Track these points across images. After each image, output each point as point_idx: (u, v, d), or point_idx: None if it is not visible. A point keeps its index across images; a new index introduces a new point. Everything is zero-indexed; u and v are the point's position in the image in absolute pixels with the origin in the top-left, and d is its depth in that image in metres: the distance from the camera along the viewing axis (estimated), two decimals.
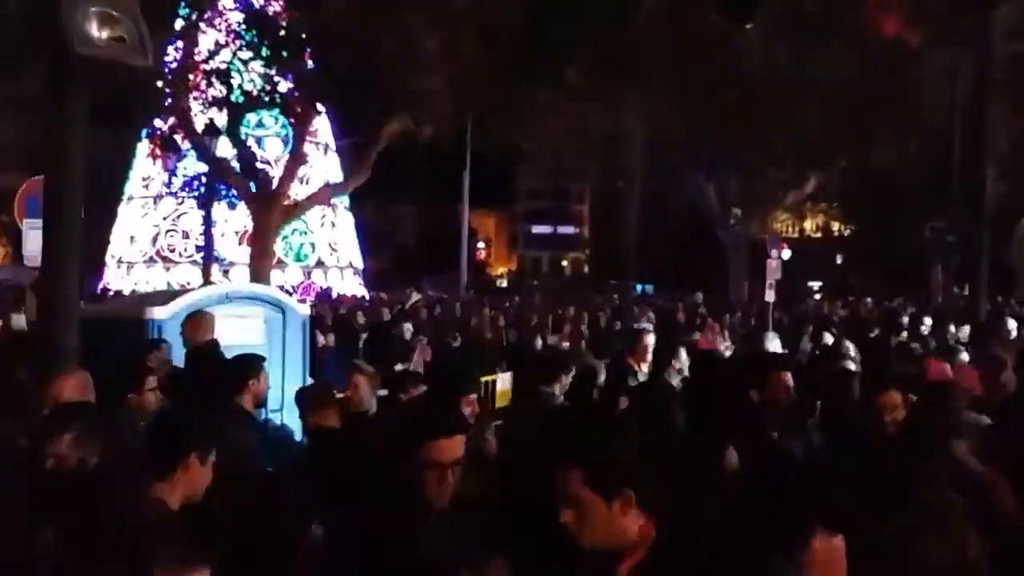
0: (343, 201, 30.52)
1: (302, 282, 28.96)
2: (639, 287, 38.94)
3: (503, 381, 10.14)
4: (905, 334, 9.82)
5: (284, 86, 16.58)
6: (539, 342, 11.42)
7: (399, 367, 9.15)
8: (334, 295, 26.31)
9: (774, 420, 3.86)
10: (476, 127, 21.34)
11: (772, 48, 21.72)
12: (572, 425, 3.49)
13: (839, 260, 46.95)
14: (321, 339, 10.78)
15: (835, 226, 46.03)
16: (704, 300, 21.02)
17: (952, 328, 10.08)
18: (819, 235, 48.35)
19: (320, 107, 17.86)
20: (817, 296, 35.32)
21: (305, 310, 8.47)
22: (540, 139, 25.35)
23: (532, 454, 3.78)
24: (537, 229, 74.94)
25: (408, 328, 11.59)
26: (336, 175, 25.50)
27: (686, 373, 6.12)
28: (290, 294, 13.98)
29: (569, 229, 74.64)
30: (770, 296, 24.40)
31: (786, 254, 30.25)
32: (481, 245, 59.61)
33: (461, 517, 2.91)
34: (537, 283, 48.47)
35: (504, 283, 55.86)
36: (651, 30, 18.57)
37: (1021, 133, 26.28)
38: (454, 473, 2.93)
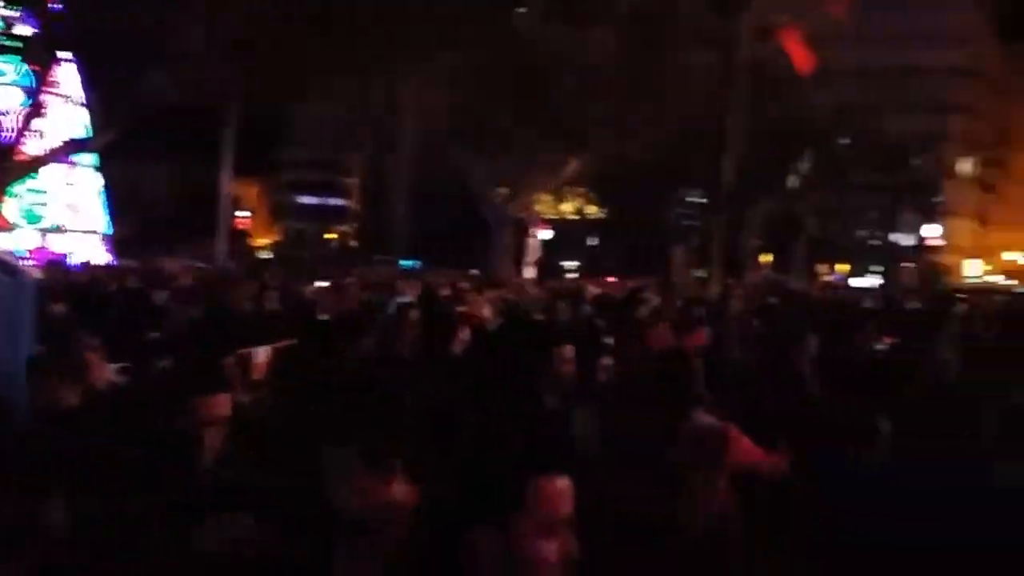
0: (89, 160, 28.18)
1: (36, 246, 26.51)
2: (407, 262, 39.09)
3: (261, 354, 9.83)
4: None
5: (25, 30, 15.01)
6: (311, 314, 11.18)
7: (152, 336, 8.66)
8: (75, 261, 24.31)
9: (556, 391, 4.01)
10: (242, 90, 20.41)
11: (541, 30, 22.45)
12: (343, 399, 3.52)
13: (594, 241, 49.65)
14: (55, 307, 9.94)
15: (591, 209, 48.49)
16: (467, 276, 21.48)
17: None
18: (576, 217, 50.73)
19: (66, 55, 16.36)
20: (574, 275, 37.20)
21: (36, 275, 7.77)
22: (310, 108, 24.72)
23: (302, 426, 3.77)
24: (304, 200, 73.00)
25: (163, 297, 10.96)
26: (81, 131, 23.46)
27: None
28: (21, 258, 12.79)
29: (337, 202, 73.32)
30: (530, 273, 25.55)
31: (547, 234, 31.74)
32: (243, 214, 57.11)
33: (224, 475, 2.87)
34: (305, 255, 47.35)
35: (268, 255, 54.07)
36: (423, 5, 18.61)
37: (758, 128, 28.78)
38: (218, 432, 2.89)
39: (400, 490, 2.40)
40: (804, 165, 37.23)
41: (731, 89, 28.43)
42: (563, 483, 2.15)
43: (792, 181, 37.26)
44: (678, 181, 33.45)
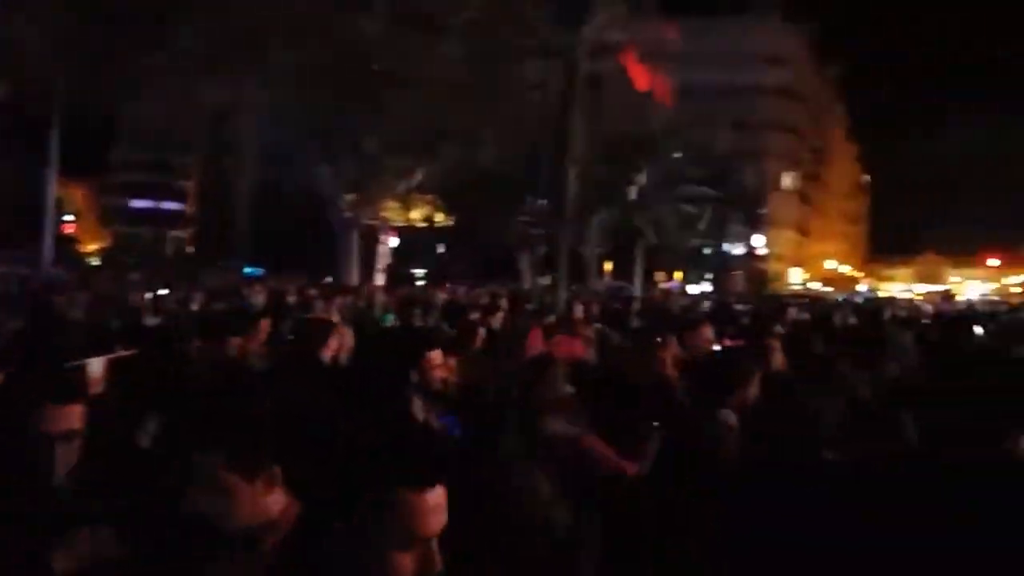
0: None
1: None
2: (249, 269, 37.87)
3: (96, 365, 9.27)
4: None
5: None
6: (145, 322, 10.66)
7: None
8: None
9: (427, 397, 4.00)
10: (68, 86, 19.23)
11: (390, 37, 22.35)
12: (207, 406, 3.40)
13: (441, 249, 49.72)
14: None
15: (439, 217, 48.58)
16: (315, 282, 21.10)
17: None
18: (424, 225, 50.67)
19: None
20: (421, 282, 37.17)
21: None
22: (143, 105, 23.58)
23: (163, 436, 3.63)
24: (136, 204, 69.24)
25: None
26: None
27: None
28: None
29: (173, 205, 70.03)
30: (380, 280, 25.31)
31: (394, 241, 31.55)
32: (68, 218, 53.57)
33: (80, 491, 2.72)
34: (136, 261, 44.92)
35: (96, 261, 51.02)
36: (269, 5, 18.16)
37: (596, 141, 29.66)
38: (71, 446, 2.73)
39: (278, 500, 2.33)
40: (642, 177, 38.72)
41: (573, 102, 29.24)
42: (429, 498, 2.07)
43: (631, 192, 38.66)
44: (525, 190, 34.05)
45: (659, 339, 4.53)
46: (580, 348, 5.25)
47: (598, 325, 9.26)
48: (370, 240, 27.53)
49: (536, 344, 5.75)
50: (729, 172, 50.63)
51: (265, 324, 7.70)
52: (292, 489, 2.39)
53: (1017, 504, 2.56)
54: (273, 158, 24.35)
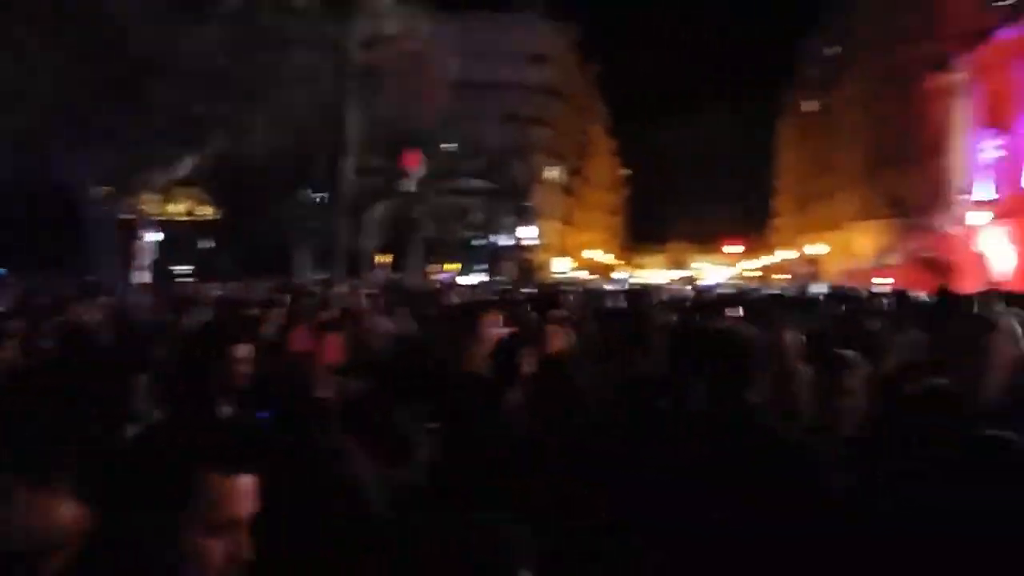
0: None
1: None
2: None
3: None
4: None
5: None
6: None
7: None
8: None
9: (231, 392, 3.89)
10: None
11: (150, 20, 21.07)
12: None
13: (207, 244, 47.43)
14: None
15: (205, 210, 46.38)
16: (69, 281, 19.54)
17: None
18: (187, 218, 48.21)
19: None
20: (187, 279, 35.35)
21: None
22: None
23: None
24: None
25: None
26: None
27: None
28: None
29: None
30: (144, 277, 23.80)
31: (157, 236, 29.73)
32: None
33: None
34: None
35: None
36: None
37: (371, 133, 29.53)
38: None
39: (67, 511, 2.23)
40: (418, 169, 38.99)
41: (346, 93, 28.97)
42: (238, 482, 2.10)
43: (407, 184, 38.81)
44: (298, 182, 33.23)
45: (472, 330, 4.57)
46: (341, 346, 5.18)
47: (385, 317, 9.32)
48: (129, 236, 25.84)
49: (301, 343, 5.63)
50: (499, 166, 52.06)
51: (17, 327, 7.17)
52: (88, 498, 2.29)
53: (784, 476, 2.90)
54: (15, 146, 22.17)
